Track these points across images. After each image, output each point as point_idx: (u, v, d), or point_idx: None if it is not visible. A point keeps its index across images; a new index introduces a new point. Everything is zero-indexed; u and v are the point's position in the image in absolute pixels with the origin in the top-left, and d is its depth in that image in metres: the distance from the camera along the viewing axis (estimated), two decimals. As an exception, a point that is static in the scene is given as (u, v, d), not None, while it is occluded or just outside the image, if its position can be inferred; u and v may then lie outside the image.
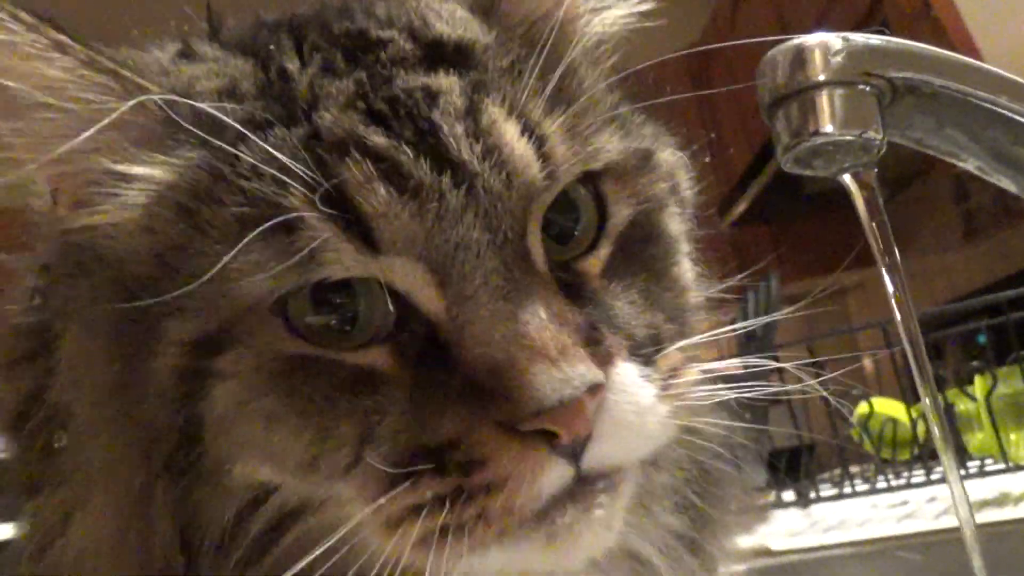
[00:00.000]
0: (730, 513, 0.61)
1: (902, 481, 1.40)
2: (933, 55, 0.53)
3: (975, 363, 1.34)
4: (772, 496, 1.43)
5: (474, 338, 0.44)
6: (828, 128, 0.51)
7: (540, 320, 0.44)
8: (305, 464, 0.45)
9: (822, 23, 2.84)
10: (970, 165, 0.58)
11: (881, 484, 1.40)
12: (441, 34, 0.50)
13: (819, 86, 0.51)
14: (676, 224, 0.55)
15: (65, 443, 0.49)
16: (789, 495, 1.48)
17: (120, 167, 0.47)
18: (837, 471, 1.51)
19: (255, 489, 0.46)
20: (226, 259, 0.43)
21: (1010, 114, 0.54)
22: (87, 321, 0.48)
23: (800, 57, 0.51)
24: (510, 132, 0.46)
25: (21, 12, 0.44)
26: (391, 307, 0.45)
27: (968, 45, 2.01)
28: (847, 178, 0.54)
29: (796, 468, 1.51)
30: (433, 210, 0.44)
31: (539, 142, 0.47)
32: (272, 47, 0.50)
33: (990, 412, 1.29)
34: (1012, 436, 1.30)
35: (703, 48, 0.57)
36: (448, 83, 0.47)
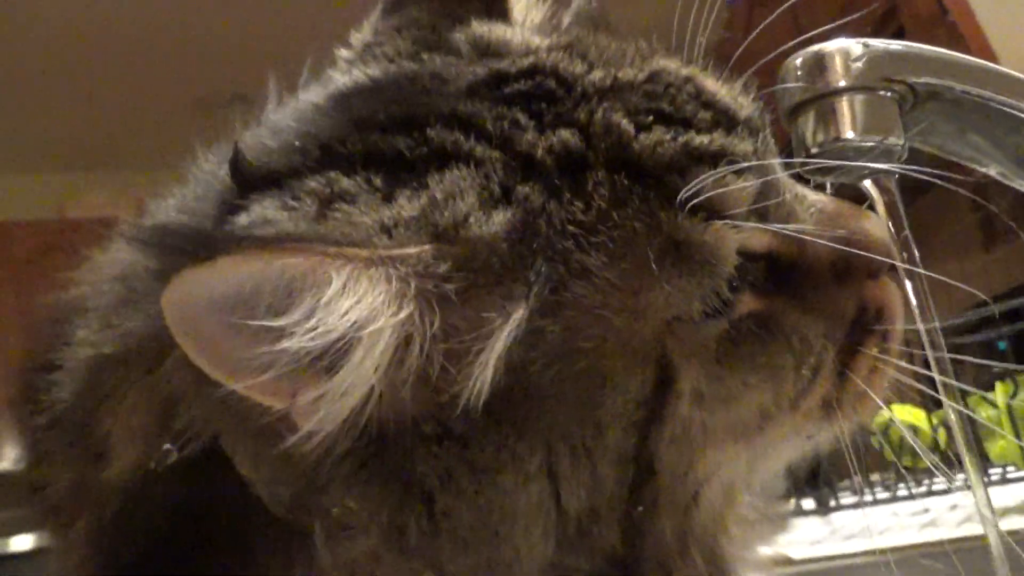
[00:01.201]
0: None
1: (923, 489, 1.39)
2: (954, 60, 0.53)
3: (996, 369, 1.33)
4: (792, 504, 1.42)
5: (815, 240, 0.50)
6: (849, 134, 0.51)
7: (825, 197, 0.53)
8: (766, 412, 0.49)
9: (838, 29, 2.84)
10: (992, 171, 0.57)
11: (902, 492, 1.39)
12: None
13: (839, 92, 0.51)
14: None
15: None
16: (809, 503, 1.47)
17: (456, 333, 0.43)
18: (857, 478, 1.50)
19: (705, 478, 0.50)
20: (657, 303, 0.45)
21: (1033, 119, 0.54)
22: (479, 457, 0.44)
23: (820, 63, 0.51)
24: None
25: (328, 244, 0.39)
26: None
27: (985, 50, 2.01)
28: (868, 184, 0.54)
29: (816, 475, 1.50)
30: (762, 172, 0.48)
31: None
32: (453, 148, 0.46)
33: (1011, 419, 1.28)
34: (1034, 443, 1.29)
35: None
36: (672, 64, 0.51)
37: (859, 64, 0.51)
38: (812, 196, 0.53)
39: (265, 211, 0.43)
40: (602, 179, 0.45)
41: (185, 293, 0.37)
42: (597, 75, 0.49)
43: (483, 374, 0.42)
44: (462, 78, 0.49)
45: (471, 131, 0.46)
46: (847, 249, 0.50)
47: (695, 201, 0.45)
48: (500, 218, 0.43)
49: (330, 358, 0.40)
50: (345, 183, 0.44)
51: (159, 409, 0.46)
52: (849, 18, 0.53)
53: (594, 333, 0.44)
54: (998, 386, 1.31)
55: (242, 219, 0.43)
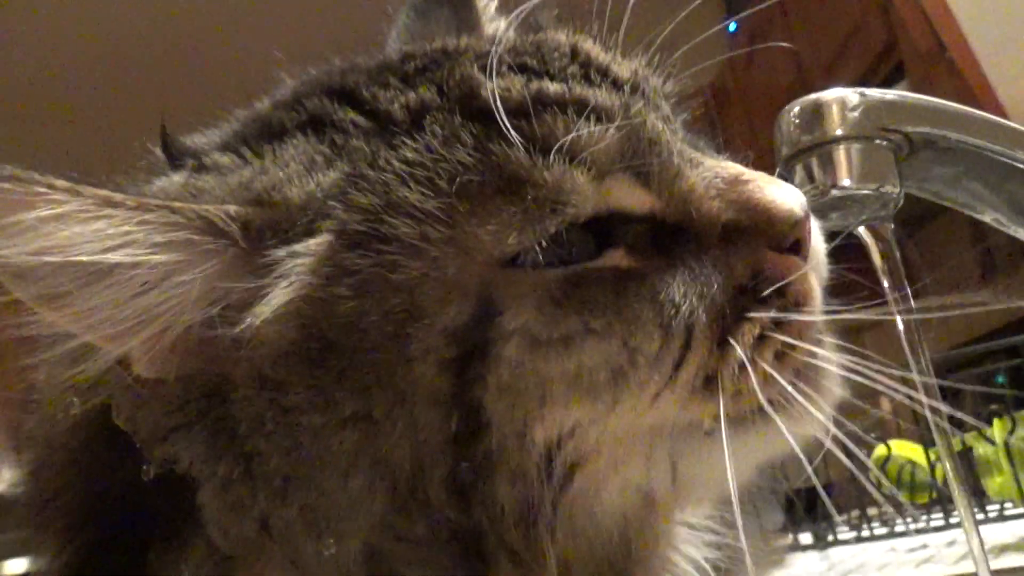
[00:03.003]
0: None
1: (921, 524, 1.39)
2: (949, 110, 0.54)
3: (993, 406, 1.33)
4: (789, 539, 1.42)
5: (702, 198, 0.49)
6: (846, 182, 0.52)
7: (734, 164, 0.50)
8: (618, 369, 0.46)
9: (838, 64, 2.85)
10: (987, 217, 0.58)
11: (900, 527, 1.39)
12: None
13: (836, 140, 0.52)
14: None
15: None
16: (807, 537, 1.47)
17: (248, 277, 0.46)
18: (855, 512, 1.50)
19: (552, 445, 0.46)
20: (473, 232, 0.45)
21: (1027, 167, 0.55)
22: (289, 398, 0.46)
23: (818, 112, 0.52)
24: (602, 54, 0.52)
25: (56, 179, 0.43)
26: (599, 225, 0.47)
27: (983, 85, 2.02)
28: (863, 230, 0.55)
29: (814, 508, 1.50)
30: (628, 123, 0.48)
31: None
32: (319, 113, 0.50)
33: (1009, 455, 1.28)
34: (1031, 479, 1.29)
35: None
36: (560, 36, 0.52)
37: (856, 113, 0.52)
38: (712, 162, 0.50)
39: (163, 180, 0.51)
40: (440, 120, 0.47)
41: None
42: (478, 45, 0.52)
43: (270, 310, 0.45)
44: (378, 61, 0.54)
45: (342, 98, 0.50)
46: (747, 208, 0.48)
47: (539, 142, 0.46)
48: (320, 177, 0.46)
49: (71, 278, 0.43)
50: (221, 159, 0.50)
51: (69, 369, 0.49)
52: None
53: (411, 266, 0.45)
54: (996, 423, 1.31)
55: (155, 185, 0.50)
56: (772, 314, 0.47)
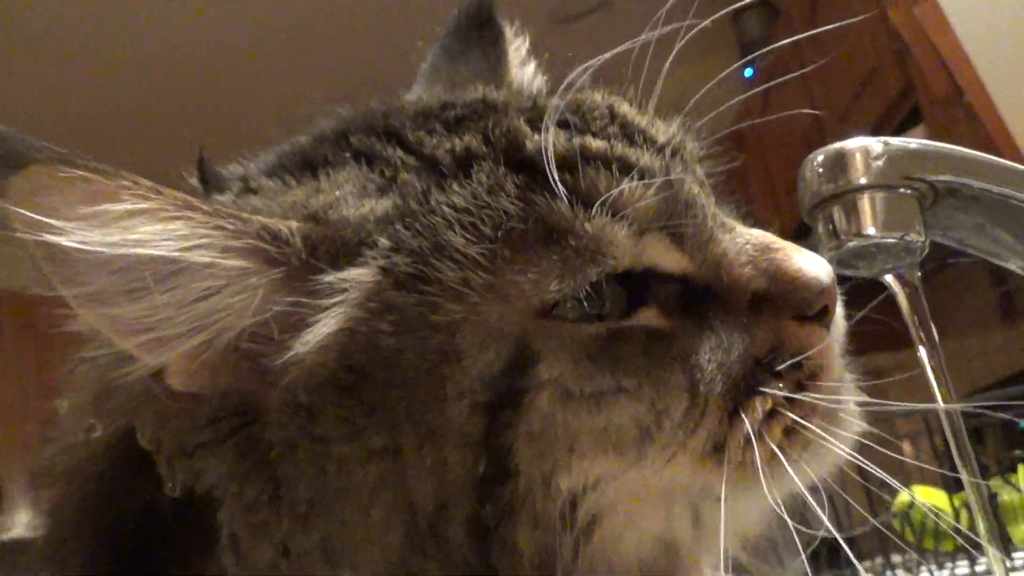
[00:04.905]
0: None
1: (945, 573, 1.37)
2: (973, 158, 0.54)
3: (1017, 451, 1.31)
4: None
5: (733, 263, 0.50)
6: (870, 231, 0.52)
7: (763, 232, 0.51)
8: (645, 428, 0.47)
9: (854, 108, 2.86)
10: (1012, 264, 0.58)
11: (924, 575, 1.37)
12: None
13: (860, 189, 0.52)
14: None
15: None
16: (830, 586, 1.44)
17: (301, 295, 0.46)
18: (879, 560, 1.48)
19: (576, 494, 0.47)
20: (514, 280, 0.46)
21: (1053, 216, 0.55)
22: (325, 430, 0.46)
23: (841, 161, 0.53)
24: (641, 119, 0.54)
25: (141, 178, 0.44)
26: (635, 282, 0.48)
27: (1001, 130, 2.02)
28: (889, 278, 0.55)
29: (836, 555, 1.47)
30: (667, 185, 0.49)
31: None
32: (366, 150, 0.52)
33: (1035, 502, 1.26)
34: (1058, 527, 1.27)
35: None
36: (596, 96, 0.54)
37: (879, 162, 0.52)
38: (743, 228, 0.52)
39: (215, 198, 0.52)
40: (487, 169, 0.48)
41: (17, 198, 0.42)
42: (521, 101, 0.54)
43: (317, 338, 0.46)
44: (416, 106, 0.55)
45: (390, 138, 0.52)
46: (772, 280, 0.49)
47: (583, 195, 0.47)
48: (373, 204, 0.48)
49: (145, 273, 0.44)
50: (267, 182, 0.52)
51: (95, 390, 0.50)
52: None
53: (452, 308, 0.46)
54: (1020, 469, 1.29)
55: None
56: (784, 393, 0.48)
